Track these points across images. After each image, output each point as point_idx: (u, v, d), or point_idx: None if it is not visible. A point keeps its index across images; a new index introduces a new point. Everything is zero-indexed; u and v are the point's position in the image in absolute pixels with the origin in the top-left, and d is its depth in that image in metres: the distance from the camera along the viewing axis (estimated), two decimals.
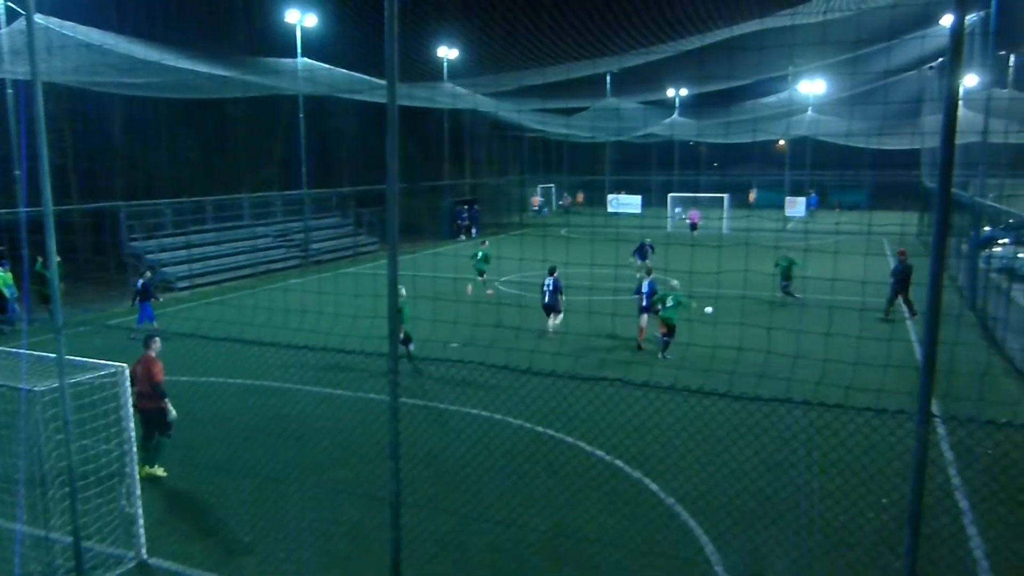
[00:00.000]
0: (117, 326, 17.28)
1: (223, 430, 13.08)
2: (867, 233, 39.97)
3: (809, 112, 49.25)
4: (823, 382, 12.05)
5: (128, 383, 8.83)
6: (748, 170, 67.74)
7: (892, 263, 25.41)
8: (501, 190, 56.42)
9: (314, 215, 37.59)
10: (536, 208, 61.09)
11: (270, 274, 31.41)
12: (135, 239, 28.97)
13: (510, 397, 14.78)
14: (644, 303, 18.93)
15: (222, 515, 10.26)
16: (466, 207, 46.52)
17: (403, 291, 16.67)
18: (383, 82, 7.23)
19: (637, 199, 58.75)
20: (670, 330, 17.71)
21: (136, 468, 9.18)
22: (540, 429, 13.21)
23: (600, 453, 12.18)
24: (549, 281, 19.71)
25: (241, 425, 13.34)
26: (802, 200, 55.46)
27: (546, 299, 19.62)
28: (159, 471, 11.49)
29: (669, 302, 17.74)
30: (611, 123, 48.01)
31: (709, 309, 19.21)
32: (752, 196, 63.41)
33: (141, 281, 20.49)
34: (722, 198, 50.25)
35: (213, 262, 30.86)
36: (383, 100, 7.29)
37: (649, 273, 19.30)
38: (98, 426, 8.91)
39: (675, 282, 17.95)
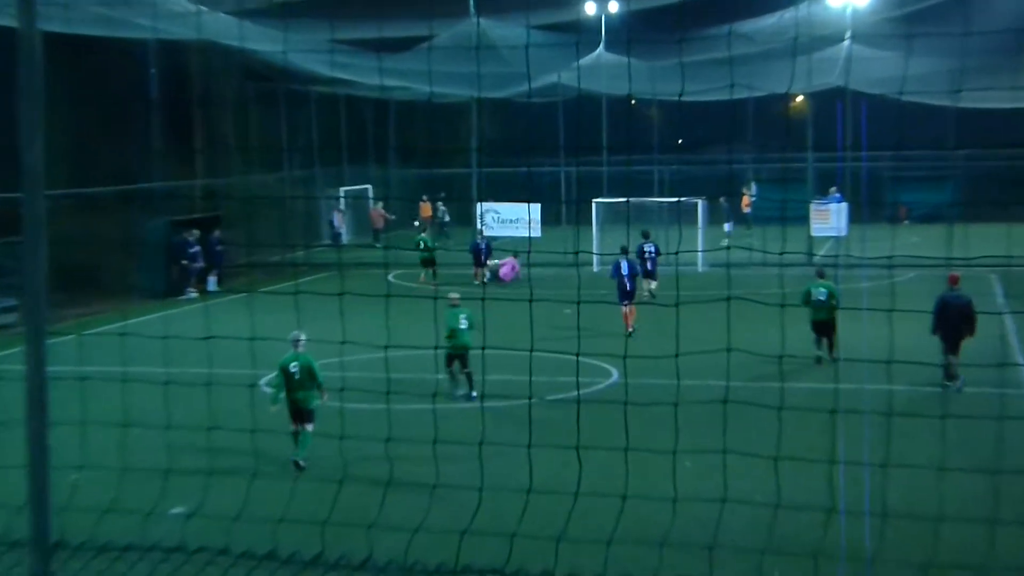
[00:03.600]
0: None
1: None
2: (953, 263, 41.84)
3: (846, 42, 51.45)
4: (883, 557, 12.54)
5: None
6: (739, 153, 69.78)
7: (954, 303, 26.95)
8: (271, 198, 55.97)
9: None
10: (338, 229, 61.15)
11: None
12: None
13: None
14: (628, 286, 33.87)
15: None
16: (196, 233, 45.87)
17: (302, 337, 21.56)
18: None
19: (531, 211, 59.36)
20: (828, 330, 28.26)
21: None
22: None
23: None
24: (651, 248, 39.85)
25: None
26: (838, 207, 57.26)
27: (648, 266, 39.23)
28: None
29: (821, 295, 28.32)
30: (476, 67, 48.62)
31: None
32: (748, 200, 65.21)
33: None
34: (694, 205, 51.54)
35: None
36: (13, 23, 7.22)
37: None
38: None
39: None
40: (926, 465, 15.43)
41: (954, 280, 25.94)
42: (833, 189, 58.26)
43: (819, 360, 28.51)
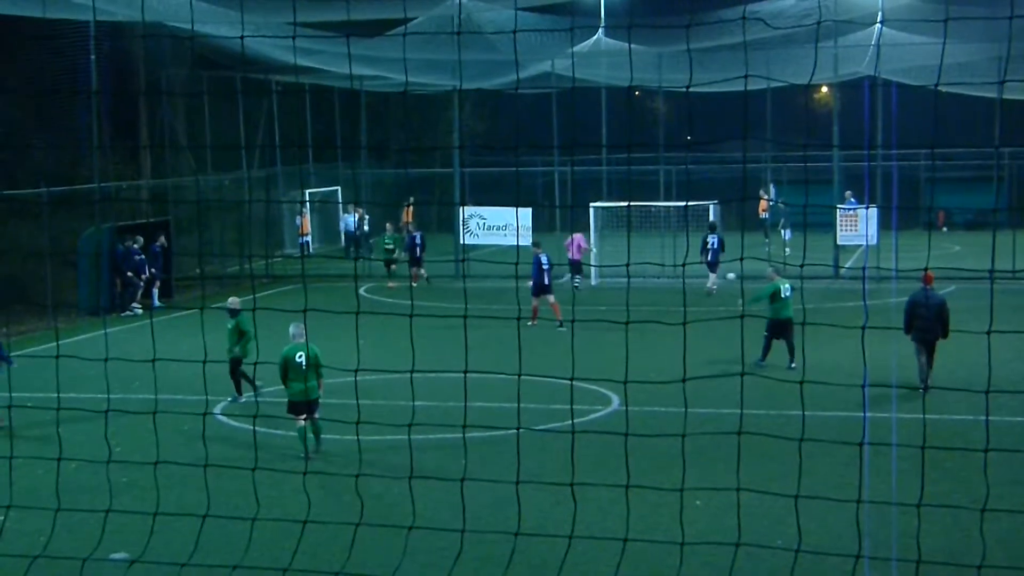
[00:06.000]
0: None
1: None
2: (998, 274, 41.59)
3: (877, 25, 51.46)
4: None
5: None
6: (755, 151, 69.64)
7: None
8: (226, 202, 55.73)
9: None
10: (306, 237, 61.08)
11: None
12: None
13: None
14: (545, 280, 37.78)
15: None
16: (140, 240, 45.71)
17: (301, 330, 22.39)
18: None
19: (520, 216, 59.16)
20: (788, 331, 29.67)
21: None
22: None
23: None
24: (714, 240, 44.89)
25: None
26: (865, 212, 57.03)
27: (709, 257, 44.54)
28: None
29: (788, 291, 30.51)
30: (457, 54, 48.71)
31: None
32: (764, 205, 65.10)
33: None
34: (705, 209, 51.42)
35: None
36: None
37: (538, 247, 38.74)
38: None
39: (731, 275, 34.01)
40: (968, 505, 15.44)
41: (928, 280, 27.14)
42: (848, 194, 57.80)
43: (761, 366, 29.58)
